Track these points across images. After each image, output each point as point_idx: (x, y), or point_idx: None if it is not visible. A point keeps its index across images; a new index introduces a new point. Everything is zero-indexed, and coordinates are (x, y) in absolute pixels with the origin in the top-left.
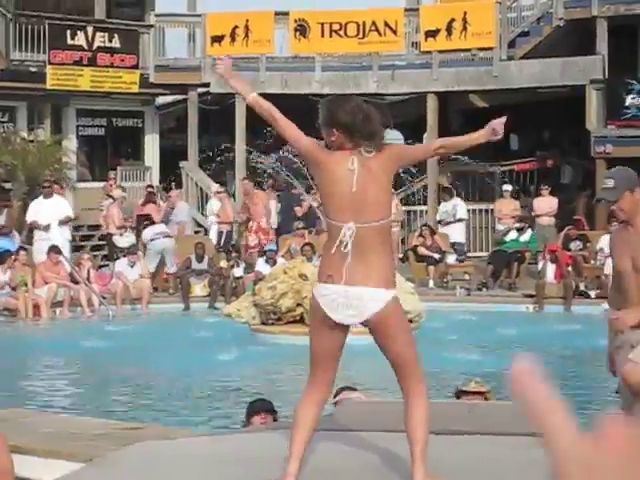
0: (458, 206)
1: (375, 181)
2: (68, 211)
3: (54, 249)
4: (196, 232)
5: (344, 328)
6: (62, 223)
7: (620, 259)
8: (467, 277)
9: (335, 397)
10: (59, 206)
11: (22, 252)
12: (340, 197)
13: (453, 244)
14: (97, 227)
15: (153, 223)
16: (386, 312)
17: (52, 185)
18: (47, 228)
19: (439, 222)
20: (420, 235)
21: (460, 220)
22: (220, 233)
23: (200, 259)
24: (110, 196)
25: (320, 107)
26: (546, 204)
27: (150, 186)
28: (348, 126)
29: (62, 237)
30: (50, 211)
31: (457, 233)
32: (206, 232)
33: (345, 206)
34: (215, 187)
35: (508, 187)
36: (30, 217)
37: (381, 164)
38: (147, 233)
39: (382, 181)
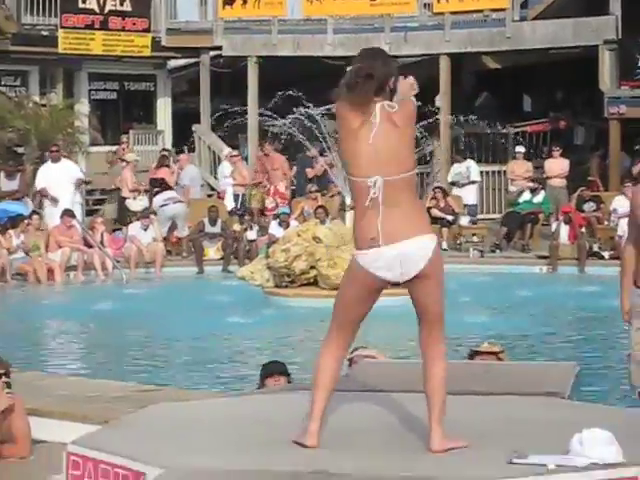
0: (471, 168)
1: (399, 135)
2: (78, 174)
3: (67, 213)
4: (209, 195)
5: (382, 289)
6: (77, 187)
7: None
8: (475, 239)
9: (350, 359)
10: (68, 169)
11: (35, 216)
12: (364, 151)
13: (466, 206)
14: (110, 191)
15: (167, 187)
16: (432, 263)
17: (60, 149)
18: (54, 200)
19: (452, 184)
20: (433, 197)
21: (473, 182)
22: (236, 196)
23: (213, 222)
24: (123, 160)
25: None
26: (557, 166)
27: (165, 149)
28: (382, 78)
29: (73, 201)
30: (59, 175)
31: (470, 195)
32: (219, 195)
33: (370, 160)
34: (227, 150)
35: (521, 148)
36: (39, 183)
37: (402, 118)
38: (157, 200)
39: (406, 135)
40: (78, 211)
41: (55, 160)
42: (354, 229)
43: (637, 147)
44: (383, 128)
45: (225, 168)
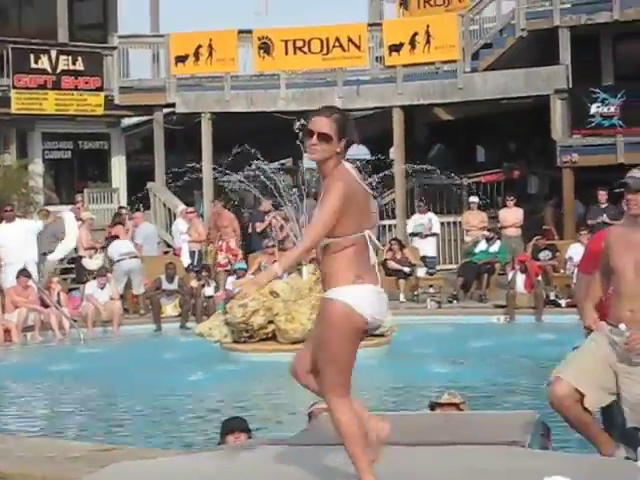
0: (433, 220)
1: None
2: (36, 226)
3: (23, 273)
4: (165, 252)
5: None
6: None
7: (620, 258)
8: (432, 290)
9: (310, 412)
10: (23, 227)
11: None
12: (361, 207)
13: (424, 258)
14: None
15: None
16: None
17: (13, 209)
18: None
19: (413, 235)
20: (389, 249)
21: (434, 234)
22: (192, 252)
23: (170, 279)
24: (79, 219)
25: (339, 119)
26: (512, 215)
27: (122, 207)
28: (350, 140)
29: (31, 260)
30: (15, 234)
31: (430, 247)
32: (175, 252)
33: (365, 215)
34: (182, 207)
35: (474, 199)
36: None
37: None
38: (114, 250)
39: None
40: (34, 271)
41: (9, 220)
42: (347, 274)
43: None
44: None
45: (180, 225)
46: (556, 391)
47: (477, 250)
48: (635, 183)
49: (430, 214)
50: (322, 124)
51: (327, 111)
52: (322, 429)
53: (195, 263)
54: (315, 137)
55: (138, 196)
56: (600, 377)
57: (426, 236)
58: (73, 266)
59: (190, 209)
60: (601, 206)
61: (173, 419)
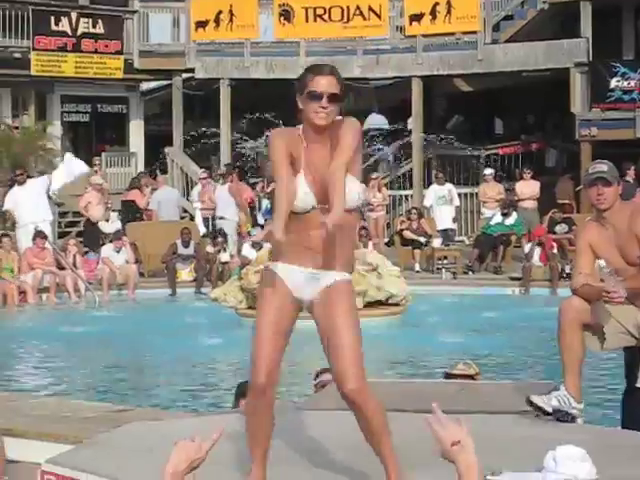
0: (452, 191)
1: None
2: (44, 183)
3: (40, 234)
4: (182, 217)
5: None
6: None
7: (612, 257)
8: (447, 261)
9: (316, 378)
10: (33, 187)
11: (5, 239)
12: None
13: (446, 230)
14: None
15: (137, 209)
16: None
17: (24, 172)
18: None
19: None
20: (408, 218)
21: (454, 205)
22: (206, 219)
23: (186, 244)
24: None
25: (341, 76)
26: (528, 188)
27: (142, 172)
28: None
29: (43, 218)
30: (26, 196)
31: (451, 218)
32: (192, 217)
33: None
34: (199, 172)
35: (489, 171)
36: (7, 205)
37: None
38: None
39: None
40: (48, 230)
41: (21, 183)
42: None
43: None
44: None
45: (197, 190)
46: (573, 300)
47: (493, 222)
48: (609, 177)
49: (449, 185)
50: (331, 84)
51: (329, 68)
52: (331, 395)
53: (210, 229)
54: (325, 99)
55: (157, 161)
56: (618, 323)
57: (443, 205)
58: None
59: (203, 174)
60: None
61: (187, 382)
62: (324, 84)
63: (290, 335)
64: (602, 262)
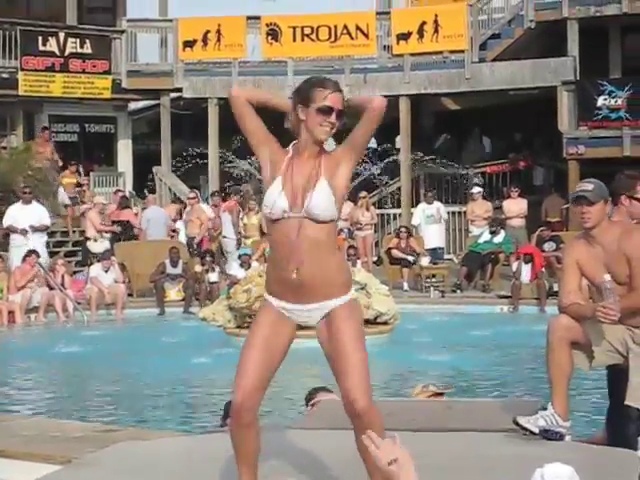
0: (441, 209)
1: None
2: (46, 219)
3: (33, 253)
4: (171, 237)
5: None
6: (36, 230)
7: (599, 275)
8: (435, 279)
9: (310, 400)
10: (38, 213)
11: None
12: None
13: (435, 248)
14: (69, 233)
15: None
16: None
17: (32, 191)
18: (24, 232)
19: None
20: (397, 236)
21: (442, 223)
22: (191, 238)
23: (174, 264)
24: (82, 202)
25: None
26: (516, 206)
27: (120, 190)
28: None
29: (40, 243)
30: (29, 217)
31: (438, 237)
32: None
33: None
34: (187, 192)
35: (477, 189)
36: (7, 222)
37: None
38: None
39: None
40: (44, 254)
41: (26, 202)
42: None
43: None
44: None
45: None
46: (561, 318)
47: (481, 240)
48: (591, 196)
49: (437, 203)
50: (340, 100)
51: (337, 85)
52: (322, 414)
53: (194, 249)
54: (334, 115)
55: (146, 181)
56: (607, 342)
57: (433, 225)
58: (78, 249)
59: (191, 195)
60: None
61: (175, 402)
62: (336, 101)
63: (280, 361)
64: (607, 276)
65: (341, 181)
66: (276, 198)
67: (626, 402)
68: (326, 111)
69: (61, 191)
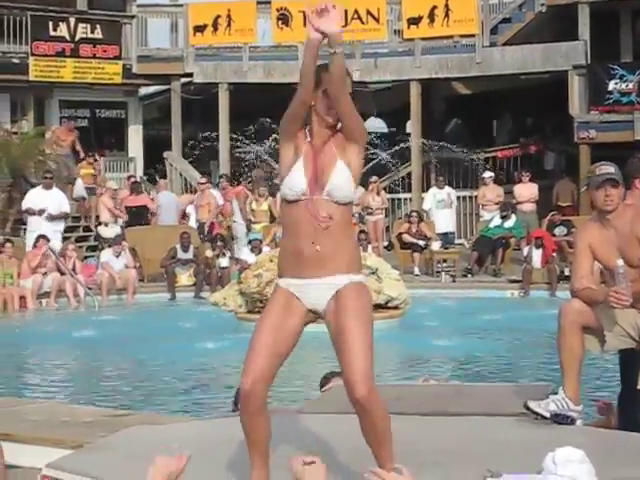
0: (452, 194)
1: None
2: (65, 206)
3: (43, 237)
4: (181, 222)
5: None
6: (55, 218)
7: (612, 258)
8: (446, 264)
9: (324, 385)
10: (58, 199)
11: (8, 244)
12: None
13: (446, 233)
14: (80, 218)
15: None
16: None
17: (53, 177)
18: (42, 212)
19: (427, 210)
20: (408, 221)
21: (453, 208)
22: (202, 224)
23: (185, 249)
24: (101, 186)
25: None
26: (527, 191)
27: (132, 176)
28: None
29: (56, 231)
30: (48, 202)
31: (449, 222)
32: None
33: None
34: (198, 178)
35: (488, 174)
36: (26, 204)
37: None
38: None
39: None
40: (59, 240)
41: (47, 187)
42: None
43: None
44: None
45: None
46: (573, 302)
47: (492, 225)
48: (618, 178)
49: (448, 188)
50: (348, 84)
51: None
52: (334, 398)
53: (205, 234)
54: None
55: (156, 166)
56: (619, 326)
57: (443, 208)
58: (89, 234)
59: (202, 180)
60: None
61: (186, 386)
62: None
63: (291, 348)
64: (620, 261)
65: (356, 161)
66: (297, 180)
67: (639, 387)
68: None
69: (79, 182)
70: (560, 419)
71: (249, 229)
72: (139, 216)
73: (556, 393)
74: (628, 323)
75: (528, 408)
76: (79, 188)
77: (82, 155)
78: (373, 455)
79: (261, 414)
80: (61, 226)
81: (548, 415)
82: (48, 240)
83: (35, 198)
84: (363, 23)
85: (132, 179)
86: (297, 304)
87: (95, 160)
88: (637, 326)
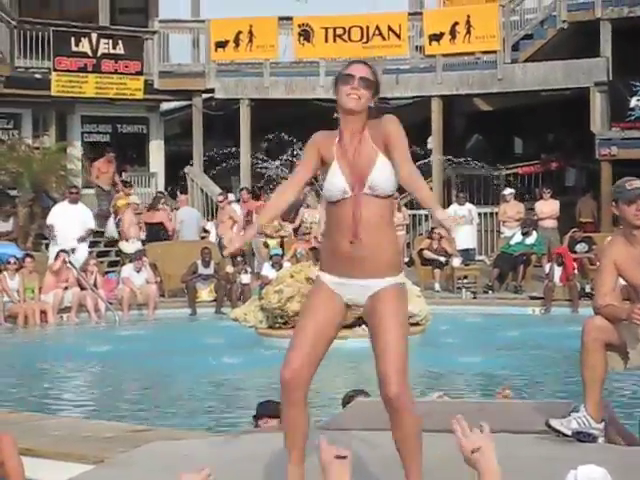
0: (473, 211)
1: None
2: (90, 222)
3: (63, 252)
4: (202, 237)
5: None
6: (82, 240)
7: (636, 276)
8: (467, 280)
9: (347, 403)
10: (83, 215)
11: (28, 259)
12: None
13: (467, 249)
14: (103, 233)
15: (166, 232)
16: None
17: (79, 192)
18: (54, 238)
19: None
20: (429, 237)
21: (474, 225)
22: (220, 239)
23: (206, 264)
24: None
25: (376, 71)
26: (548, 207)
27: (159, 192)
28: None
29: (83, 249)
30: (73, 216)
31: (471, 237)
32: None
33: None
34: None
35: (509, 190)
36: (51, 219)
37: None
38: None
39: None
40: (84, 254)
41: (73, 202)
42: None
43: None
44: None
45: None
46: (596, 320)
47: (513, 242)
48: None
49: (469, 205)
50: (362, 69)
51: (363, 61)
52: (356, 414)
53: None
54: (357, 81)
55: (178, 181)
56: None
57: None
58: (110, 249)
59: (220, 197)
60: None
61: (206, 402)
62: (357, 69)
63: (332, 339)
64: None
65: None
66: (335, 182)
67: None
68: (347, 78)
69: (110, 222)
70: (582, 437)
71: (266, 245)
72: (156, 233)
73: (577, 411)
74: None
75: (549, 426)
76: (111, 229)
77: (120, 187)
78: (404, 468)
79: (300, 406)
80: (86, 244)
81: (570, 433)
82: (69, 255)
83: (61, 212)
84: (384, 39)
85: (159, 195)
86: (337, 299)
87: (131, 188)
88: None
